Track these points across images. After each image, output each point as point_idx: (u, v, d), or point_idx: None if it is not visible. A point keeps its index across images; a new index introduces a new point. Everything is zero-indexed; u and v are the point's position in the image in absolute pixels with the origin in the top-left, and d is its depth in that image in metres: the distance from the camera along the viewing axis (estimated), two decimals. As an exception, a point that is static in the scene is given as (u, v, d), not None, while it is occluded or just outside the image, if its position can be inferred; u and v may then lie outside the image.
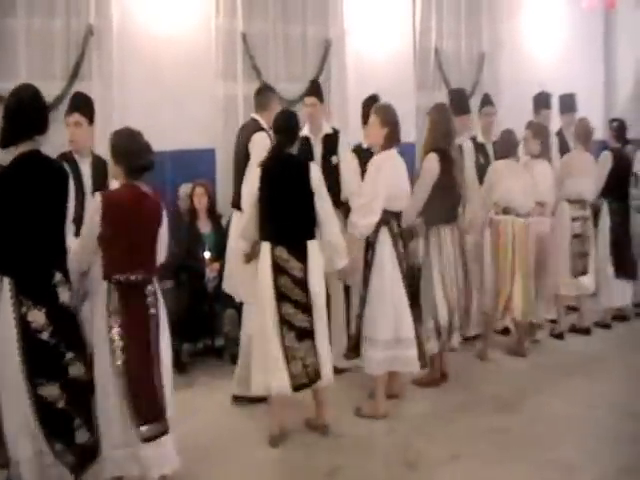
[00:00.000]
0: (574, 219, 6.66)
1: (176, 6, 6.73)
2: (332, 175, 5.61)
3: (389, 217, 4.88)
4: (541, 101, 7.37)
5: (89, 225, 3.74)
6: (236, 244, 5.09)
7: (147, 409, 3.67)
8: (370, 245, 4.93)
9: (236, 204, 5.30)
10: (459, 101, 6.47)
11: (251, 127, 5.35)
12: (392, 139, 4.92)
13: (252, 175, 4.65)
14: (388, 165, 4.87)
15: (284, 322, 4.40)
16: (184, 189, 6.50)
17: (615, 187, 6.94)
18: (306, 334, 4.46)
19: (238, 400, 5.16)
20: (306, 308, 4.45)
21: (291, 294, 4.43)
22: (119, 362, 3.63)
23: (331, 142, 5.83)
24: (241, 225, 4.75)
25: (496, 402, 5.21)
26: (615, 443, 4.61)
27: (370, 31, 7.91)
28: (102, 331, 3.66)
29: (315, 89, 5.99)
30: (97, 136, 6.32)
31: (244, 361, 5.01)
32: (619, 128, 7.15)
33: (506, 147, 6.12)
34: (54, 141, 6.05)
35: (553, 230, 6.51)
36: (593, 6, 9.36)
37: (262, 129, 5.25)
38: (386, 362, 4.89)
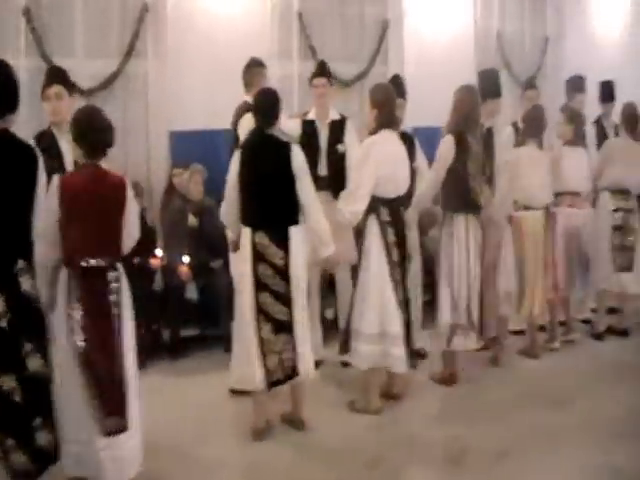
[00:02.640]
0: (615, 210, 6.15)
1: (232, -16, 6.65)
2: (338, 164, 5.40)
3: (378, 204, 4.57)
4: (575, 85, 6.89)
5: (47, 210, 3.53)
6: None
7: (110, 401, 3.46)
8: (359, 234, 4.68)
9: None
10: (489, 84, 5.87)
11: (240, 109, 5.07)
12: (381, 121, 4.61)
13: (234, 158, 4.34)
14: (377, 149, 4.56)
15: (260, 312, 4.16)
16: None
17: None
18: (283, 327, 4.20)
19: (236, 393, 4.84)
20: (285, 299, 4.20)
21: (270, 283, 4.18)
22: (80, 351, 3.43)
23: (338, 129, 5.52)
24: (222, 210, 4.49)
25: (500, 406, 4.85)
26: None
27: (429, 12, 7.73)
28: (62, 319, 3.48)
29: (324, 69, 5.65)
30: (153, 114, 6.43)
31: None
32: None
33: (533, 125, 5.64)
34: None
35: (593, 222, 6.12)
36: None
37: (251, 109, 4.82)
38: (372, 357, 4.60)
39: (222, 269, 5.65)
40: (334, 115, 5.60)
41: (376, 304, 4.54)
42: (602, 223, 6.14)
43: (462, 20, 7.97)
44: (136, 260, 5.37)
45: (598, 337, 6.22)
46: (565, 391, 5.02)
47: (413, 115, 6.86)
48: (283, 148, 4.24)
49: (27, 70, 6.03)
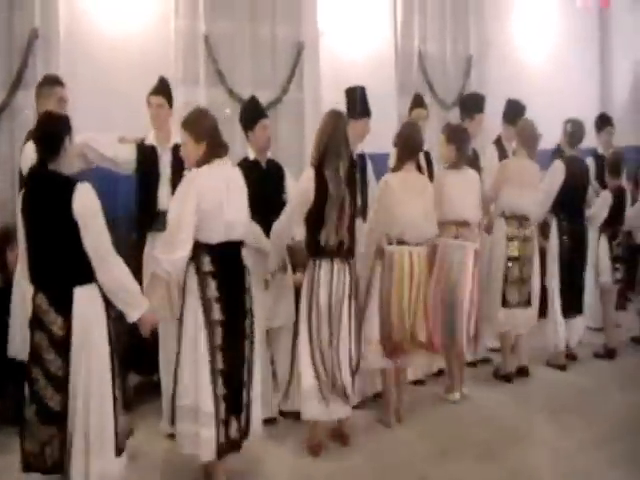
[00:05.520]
0: (510, 238, 5.54)
1: (131, 6, 6.17)
2: None
3: (200, 251, 3.80)
4: (474, 104, 6.22)
5: None
6: None
7: None
8: (181, 290, 3.94)
9: None
10: (357, 102, 5.30)
11: (26, 136, 4.38)
12: (215, 151, 3.85)
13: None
14: (198, 184, 3.76)
15: (30, 388, 3.42)
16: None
17: (567, 202, 5.88)
18: (52, 417, 3.37)
19: None
20: (60, 383, 3.36)
21: (44, 358, 3.38)
22: None
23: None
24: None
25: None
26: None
27: (347, 32, 7.36)
28: None
29: (163, 87, 4.90)
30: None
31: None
32: (574, 132, 6.00)
33: (408, 146, 4.90)
34: None
35: (489, 252, 5.63)
36: (588, 5, 8.89)
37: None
38: (187, 439, 3.87)
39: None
40: (177, 138, 4.63)
41: (189, 376, 3.84)
42: (498, 253, 5.61)
43: (382, 40, 7.62)
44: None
45: (505, 378, 5.69)
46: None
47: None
48: (63, 186, 3.40)
49: None
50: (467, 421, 4.97)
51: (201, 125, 3.85)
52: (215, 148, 3.85)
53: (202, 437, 3.75)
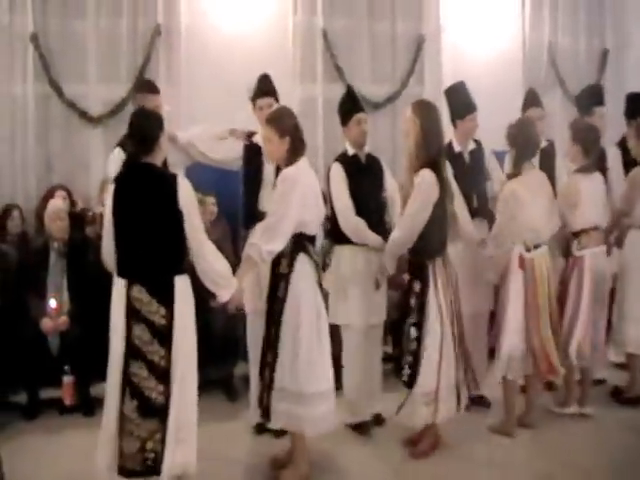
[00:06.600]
0: None
1: (249, 2, 6.28)
2: None
3: (306, 243, 3.92)
4: (592, 96, 5.78)
5: None
6: None
7: None
8: (282, 277, 3.89)
9: None
10: (463, 99, 4.95)
11: (118, 140, 4.45)
12: (298, 148, 3.92)
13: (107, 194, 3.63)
14: (302, 181, 3.85)
15: (128, 384, 3.42)
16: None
17: None
18: (154, 410, 3.38)
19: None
20: (163, 374, 3.39)
21: (146, 350, 3.40)
22: None
23: None
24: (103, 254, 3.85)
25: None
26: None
27: (470, 26, 7.13)
28: None
29: (270, 87, 4.71)
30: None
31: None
32: None
33: (527, 146, 4.56)
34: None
35: (622, 265, 5.10)
36: None
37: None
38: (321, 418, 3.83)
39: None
40: None
41: (304, 357, 3.84)
42: (636, 266, 5.03)
43: (508, 33, 7.32)
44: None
45: (629, 402, 5.10)
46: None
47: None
48: (167, 179, 3.53)
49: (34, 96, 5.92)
50: (580, 443, 4.52)
51: (285, 122, 3.92)
52: (298, 144, 3.91)
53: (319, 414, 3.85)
